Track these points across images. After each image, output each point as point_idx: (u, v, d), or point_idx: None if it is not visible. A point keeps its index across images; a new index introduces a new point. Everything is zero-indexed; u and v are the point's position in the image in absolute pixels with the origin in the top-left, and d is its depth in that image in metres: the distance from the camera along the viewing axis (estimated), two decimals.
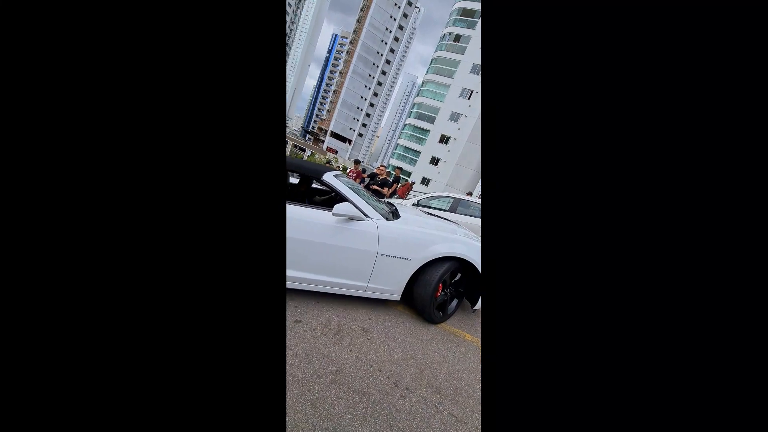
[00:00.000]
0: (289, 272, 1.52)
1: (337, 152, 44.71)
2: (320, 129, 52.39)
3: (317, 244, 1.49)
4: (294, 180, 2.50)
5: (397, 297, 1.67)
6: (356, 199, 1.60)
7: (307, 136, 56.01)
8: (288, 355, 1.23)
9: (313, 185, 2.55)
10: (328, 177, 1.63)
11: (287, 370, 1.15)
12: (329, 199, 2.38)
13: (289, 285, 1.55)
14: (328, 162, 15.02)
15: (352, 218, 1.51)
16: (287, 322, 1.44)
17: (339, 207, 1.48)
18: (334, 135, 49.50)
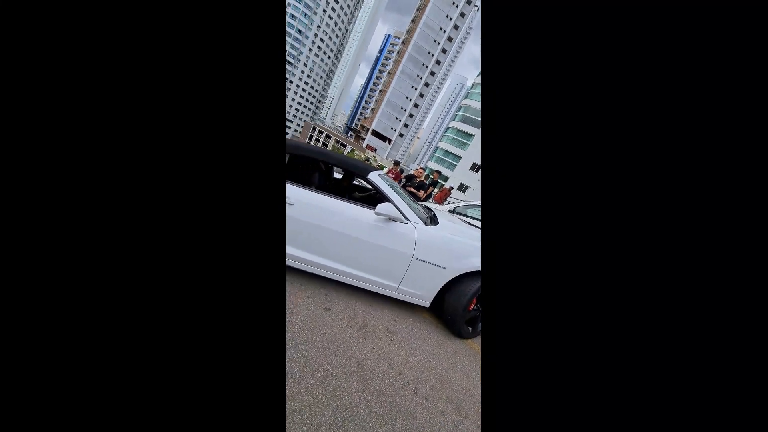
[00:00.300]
0: (324, 261, 1.60)
1: (376, 150, 45.54)
2: (362, 127, 53.93)
3: (356, 239, 1.54)
4: (338, 175, 2.62)
5: (427, 304, 1.64)
6: (398, 201, 1.62)
7: (349, 132, 58.12)
8: (315, 339, 1.30)
9: (354, 182, 2.64)
10: (373, 176, 1.67)
11: (314, 354, 1.22)
12: (369, 196, 2.44)
13: (323, 273, 1.63)
14: (367, 159, 15.40)
15: (392, 219, 1.53)
16: (317, 308, 1.53)
17: (381, 207, 1.51)
18: (375, 133, 50.47)
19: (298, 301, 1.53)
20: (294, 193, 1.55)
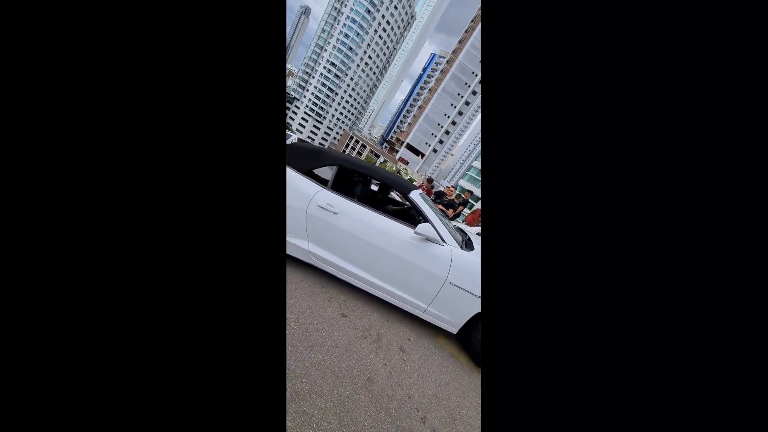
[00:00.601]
0: (358, 271, 1.64)
1: (408, 163, 46.04)
2: (397, 140, 55.19)
3: (391, 254, 1.57)
4: (374, 187, 2.71)
5: (454, 330, 1.58)
6: (437, 222, 1.62)
7: (384, 144, 59.87)
8: (330, 344, 1.33)
9: (389, 195, 2.70)
10: (414, 195, 1.70)
11: (327, 358, 1.24)
12: (402, 210, 2.47)
13: (354, 282, 1.67)
14: (398, 172, 15.62)
15: (429, 239, 1.54)
16: (336, 313, 1.56)
17: (422, 227, 1.53)
18: (410, 147, 51.20)
19: (319, 302, 1.58)
20: (339, 203, 1.63)
